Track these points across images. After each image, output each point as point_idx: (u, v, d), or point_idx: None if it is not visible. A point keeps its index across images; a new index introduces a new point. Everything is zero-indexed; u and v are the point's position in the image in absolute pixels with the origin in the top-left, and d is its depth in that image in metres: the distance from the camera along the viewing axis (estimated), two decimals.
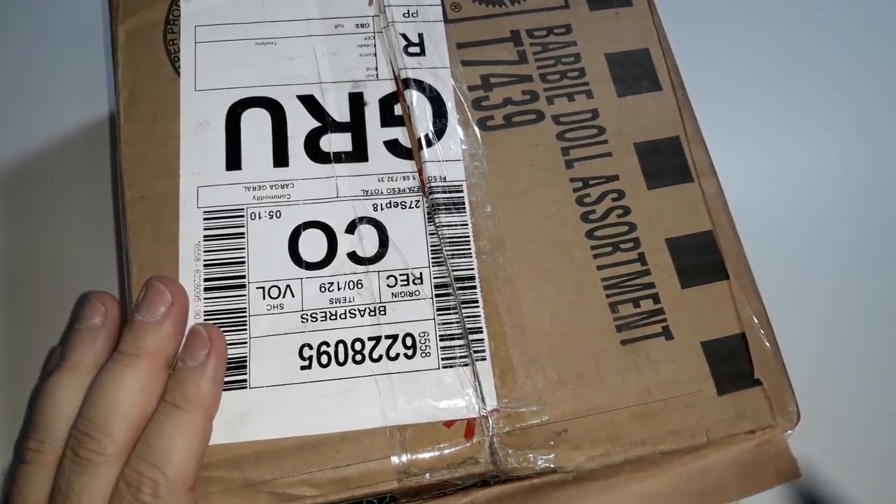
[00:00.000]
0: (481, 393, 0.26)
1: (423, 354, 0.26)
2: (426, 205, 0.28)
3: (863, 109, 0.31)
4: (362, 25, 0.30)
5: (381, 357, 0.26)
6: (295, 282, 0.27)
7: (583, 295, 0.28)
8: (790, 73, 0.37)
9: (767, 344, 0.28)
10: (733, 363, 0.27)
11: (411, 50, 0.30)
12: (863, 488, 0.30)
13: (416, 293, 0.27)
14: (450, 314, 0.27)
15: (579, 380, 0.26)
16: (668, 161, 0.30)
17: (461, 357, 0.26)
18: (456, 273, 0.27)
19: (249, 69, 0.29)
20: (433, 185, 0.28)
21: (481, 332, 0.27)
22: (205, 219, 0.27)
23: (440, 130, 0.29)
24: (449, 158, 0.29)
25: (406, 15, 0.30)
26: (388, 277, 0.27)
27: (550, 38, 0.31)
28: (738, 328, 0.28)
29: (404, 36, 0.30)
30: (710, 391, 0.27)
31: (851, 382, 0.30)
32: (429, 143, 0.29)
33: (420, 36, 0.30)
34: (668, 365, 0.27)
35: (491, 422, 0.26)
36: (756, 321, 0.28)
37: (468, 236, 0.28)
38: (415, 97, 0.29)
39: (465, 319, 0.27)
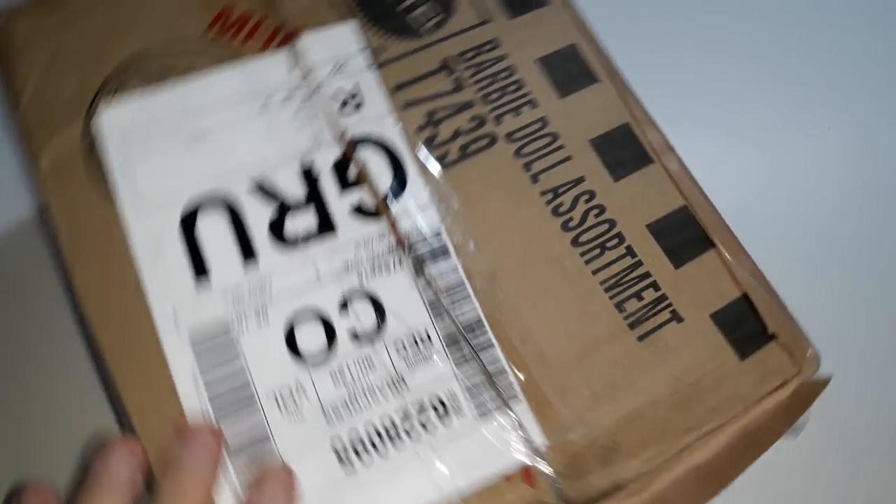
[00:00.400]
0: (527, 434, 0.25)
1: (457, 414, 0.26)
2: (410, 260, 0.27)
3: (863, 109, 0.31)
4: (291, 94, 0.29)
5: (416, 432, 0.25)
6: (305, 380, 0.26)
7: (588, 304, 0.27)
8: (790, 74, 0.37)
9: (770, 298, 0.28)
10: (745, 326, 0.28)
11: (350, 106, 0.29)
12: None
13: (429, 354, 0.26)
14: (469, 364, 0.26)
15: (612, 389, 0.26)
16: (626, 149, 0.30)
17: (495, 404, 0.26)
18: (461, 321, 0.27)
19: (188, 172, 0.27)
20: (411, 238, 0.27)
21: (505, 372, 0.26)
22: (193, 346, 0.25)
23: (401, 181, 0.28)
24: (419, 208, 0.28)
25: (333, 71, 0.29)
26: (395, 346, 0.26)
27: (480, 58, 0.30)
28: (738, 291, 0.28)
29: (339, 93, 0.29)
30: (733, 359, 0.27)
31: (851, 383, 0.31)
32: (394, 197, 0.28)
33: (355, 89, 0.29)
34: (687, 347, 0.27)
35: (546, 460, 0.25)
36: (753, 279, 0.28)
37: (462, 280, 0.27)
38: (366, 155, 0.28)
39: (486, 365, 0.26)
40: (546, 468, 0.25)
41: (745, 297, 0.28)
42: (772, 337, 0.28)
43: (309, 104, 0.29)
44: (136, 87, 0.28)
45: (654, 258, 0.28)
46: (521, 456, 0.25)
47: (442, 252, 0.27)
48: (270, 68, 0.29)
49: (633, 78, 0.31)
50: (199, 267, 0.26)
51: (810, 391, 0.27)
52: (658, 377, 0.27)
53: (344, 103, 0.28)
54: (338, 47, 0.29)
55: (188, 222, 0.27)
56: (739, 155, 0.37)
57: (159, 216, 0.27)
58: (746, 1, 0.39)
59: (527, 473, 0.25)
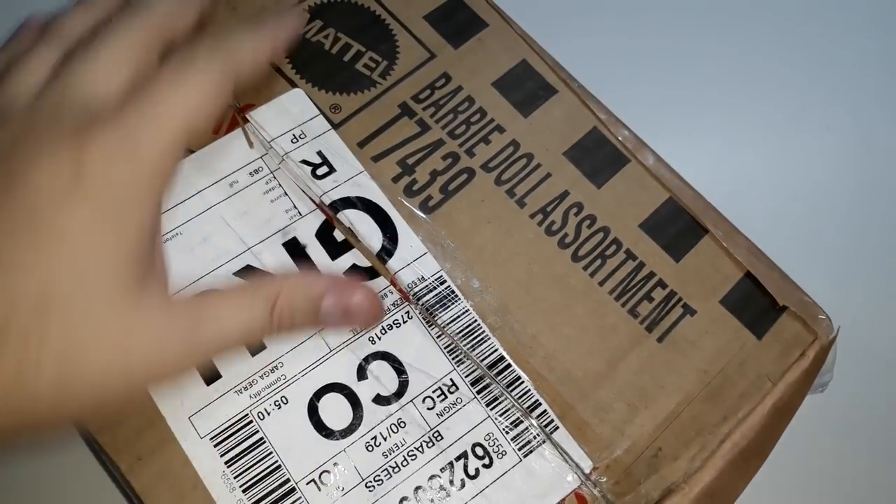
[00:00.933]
0: (573, 460, 0.25)
1: (500, 455, 0.25)
2: (419, 312, 0.27)
3: (863, 109, 0.31)
4: (256, 171, 0.28)
5: (463, 482, 0.25)
6: (340, 456, 0.25)
7: (603, 316, 0.27)
8: (790, 74, 0.37)
9: (772, 271, 0.29)
10: (755, 305, 0.28)
11: (319, 172, 0.28)
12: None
13: (459, 400, 0.26)
14: (501, 403, 0.26)
15: (644, 396, 0.26)
16: (600, 153, 0.30)
17: (535, 437, 0.25)
18: (484, 361, 0.26)
19: (171, 271, 0.26)
20: (415, 289, 0.27)
21: (539, 403, 0.26)
22: (215, 446, 0.25)
23: (391, 234, 0.27)
24: (415, 257, 0.27)
25: (294, 140, 0.28)
26: (423, 401, 0.26)
27: (437, 95, 0.30)
28: (740, 272, 0.29)
29: (305, 162, 0.28)
30: (751, 340, 0.28)
31: (850, 383, 0.31)
32: (389, 253, 0.27)
33: (320, 154, 0.28)
34: (705, 338, 0.27)
35: (596, 482, 0.25)
36: (752, 257, 0.29)
37: (475, 320, 0.27)
38: (350, 216, 0.27)
39: (519, 400, 0.26)
40: (597, 491, 0.25)
41: (749, 276, 0.28)
42: (783, 309, 0.28)
43: (277, 178, 0.28)
44: None
45: (654, 256, 0.28)
46: (571, 483, 0.25)
47: (449, 297, 0.27)
48: (229, 152, 0.28)
49: (631, 84, 0.30)
50: (209, 375, 0.25)
51: (825, 350, 0.28)
52: (685, 374, 0.27)
53: (314, 170, 0.28)
54: (291, 117, 0.28)
55: None
56: (740, 155, 0.37)
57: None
58: (746, 1, 0.39)
59: (580, 498, 0.25)
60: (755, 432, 0.27)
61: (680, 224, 0.29)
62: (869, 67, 0.35)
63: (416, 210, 0.28)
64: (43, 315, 0.20)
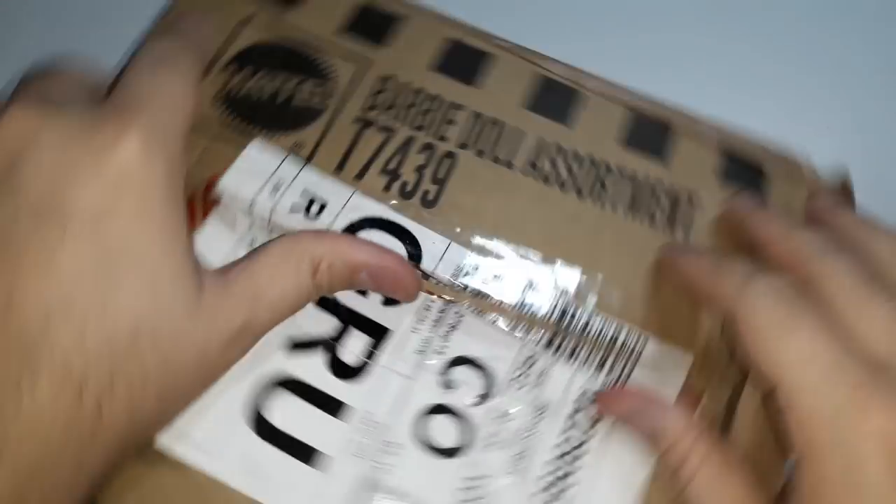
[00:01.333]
0: (669, 364, 0.26)
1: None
2: (467, 305, 0.26)
3: (863, 109, 0.30)
4: (252, 243, 0.26)
5: (588, 433, 0.25)
6: (471, 470, 0.24)
7: (628, 237, 0.28)
8: (790, 73, 0.36)
9: (748, 142, 0.31)
10: (744, 177, 0.30)
11: (313, 210, 0.26)
12: None
13: (544, 368, 0.26)
14: (582, 350, 0.26)
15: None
16: (554, 95, 0.30)
17: (629, 363, 0.26)
18: (550, 321, 0.26)
19: (226, 390, 0.24)
20: (458, 280, 0.26)
21: (616, 335, 0.26)
22: None
23: (411, 239, 0.27)
24: (442, 251, 0.26)
25: (274, 191, 0.27)
26: (513, 384, 0.25)
27: (385, 97, 0.29)
28: (718, 153, 0.30)
29: (294, 208, 0.26)
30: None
31: None
32: (417, 258, 0.26)
33: (305, 193, 0.27)
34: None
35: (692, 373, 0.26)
36: (722, 136, 0.30)
37: (522, 285, 0.26)
38: (372, 237, 0.26)
39: (597, 341, 0.26)
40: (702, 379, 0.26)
41: (727, 154, 0.30)
42: (766, 171, 0.30)
43: (276, 234, 0.26)
44: None
45: (642, 166, 0.29)
46: (676, 384, 0.26)
47: (485, 276, 0.26)
48: (215, 232, 0.26)
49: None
50: (305, 454, 0.24)
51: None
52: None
53: (307, 212, 0.26)
54: (260, 171, 0.27)
55: (263, 428, 0.24)
56: None
57: (231, 449, 0.24)
58: (746, 1, 0.39)
59: (691, 394, 0.26)
60: None
61: (651, 129, 0.30)
62: (869, 67, 0.36)
63: (420, 208, 0.27)
64: (138, 357, 0.20)
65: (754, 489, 0.22)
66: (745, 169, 0.30)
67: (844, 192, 0.29)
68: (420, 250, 0.26)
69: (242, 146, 0.27)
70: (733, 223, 0.28)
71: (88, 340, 0.19)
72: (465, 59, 0.31)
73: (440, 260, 0.26)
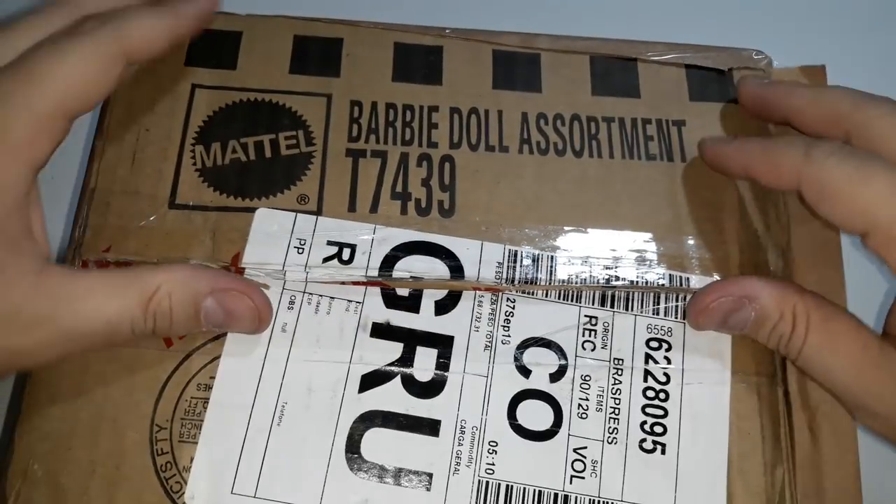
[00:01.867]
0: None
1: (669, 333, 0.27)
2: (515, 291, 0.27)
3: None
4: (291, 304, 0.26)
5: (666, 375, 0.26)
6: (573, 441, 0.25)
7: (635, 179, 0.29)
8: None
9: (702, 51, 0.32)
10: (713, 83, 0.31)
11: (345, 256, 0.27)
12: None
13: (606, 326, 0.27)
14: (636, 299, 0.27)
15: (713, 206, 0.29)
16: (516, 68, 0.31)
17: (684, 300, 0.27)
18: (599, 283, 0.27)
19: (311, 455, 0.25)
20: (503, 277, 0.27)
21: (662, 276, 0.27)
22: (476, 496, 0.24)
23: (445, 252, 0.27)
24: (479, 254, 0.27)
25: (300, 250, 0.27)
26: (584, 349, 0.27)
27: (363, 123, 0.29)
28: (682, 69, 0.31)
29: (326, 260, 0.27)
30: (733, 106, 0.31)
31: None
32: (458, 269, 0.27)
33: (331, 243, 0.27)
34: (708, 133, 0.30)
35: None
36: (679, 52, 0.32)
37: (562, 257, 0.27)
38: (402, 268, 0.27)
39: (647, 287, 0.27)
40: None
41: (691, 69, 0.31)
42: (729, 71, 0.31)
43: (314, 293, 0.26)
44: None
45: (622, 106, 0.31)
46: None
47: (524, 262, 0.27)
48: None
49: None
50: (418, 481, 0.25)
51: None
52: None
53: (339, 259, 0.27)
54: (277, 234, 0.27)
55: (368, 470, 0.25)
56: None
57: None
58: (747, 1, 0.39)
59: None
60: None
61: (616, 69, 0.31)
62: (869, 67, 0.35)
63: (441, 220, 0.28)
64: None
65: (860, 330, 0.24)
66: (711, 76, 0.31)
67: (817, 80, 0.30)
68: (458, 261, 0.27)
69: (249, 219, 0.27)
70: (754, 105, 0.29)
71: None
72: (420, 61, 0.31)
73: (480, 263, 0.27)
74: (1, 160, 0.21)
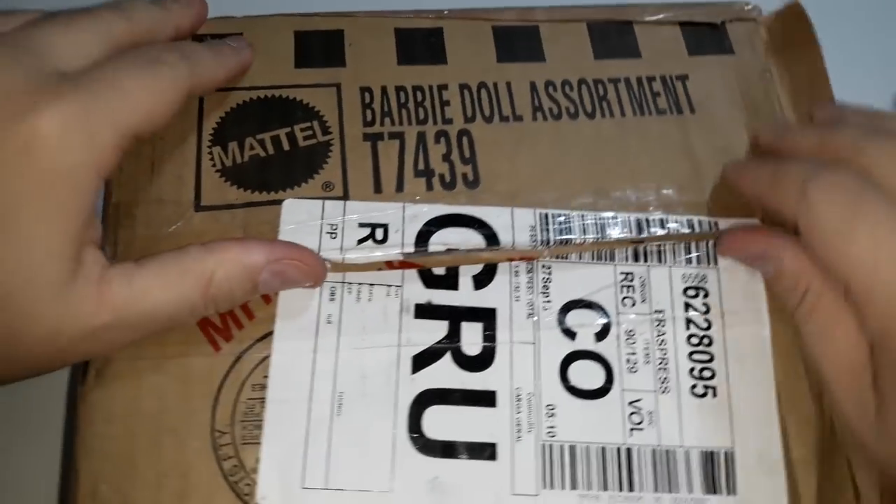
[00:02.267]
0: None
1: (705, 280, 0.27)
2: (549, 256, 0.27)
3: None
4: (332, 294, 0.26)
5: (707, 321, 0.27)
6: (627, 394, 0.26)
7: (648, 135, 0.30)
8: None
9: (694, 8, 0.32)
10: (710, 37, 0.32)
11: (378, 237, 0.27)
12: None
13: (642, 279, 0.27)
14: (667, 250, 0.28)
15: (726, 150, 0.29)
16: (516, 40, 0.31)
17: (712, 243, 0.28)
18: (629, 237, 0.28)
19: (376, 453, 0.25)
20: (538, 241, 0.27)
21: (689, 223, 0.28)
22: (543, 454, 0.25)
23: (478, 222, 0.27)
24: (511, 220, 0.27)
25: (332, 235, 0.27)
26: (624, 305, 0.27)
27: (376, 108, 0.29)
28: (677, 25, 0.32)
29: (359, 242, 0.27)
30: (731, 58, 0.32)
31: None
32: (493, 238, 0.27)
33: (363, 225, 0.27)
34: (711, 85, 0.31)
35: None
36: (672, 10, 0.32)
37: (593, 217, 0.28)
38: (437, 241, 0.27)
39: (677, 236, 0.28)
40: None
41: (685, 25, 0.32)
42: (722, 24, 0.32)
43: (353, 281, 0.27)
44: None
45: (623, 68, 0.31)
46: None
47: (561, 223, 0.28)
48: (299, 304, 0.26)
49: None
50: (482, 452, 0.25)
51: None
52: (731, 115, 0.30)
53: (372, 240, 0.27)
54: (307, 223, 0.27)
55: (432, 448, 0.25)
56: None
57: (413, 481, 0.24)
58: None
59: None
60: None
61: (613, 32, 0.32)
62: (869, 67, 0.36)
63: (468, 192, 0.28)
64: None
65: (859, 333, 0.24)
66: (706, 31, 0.32)
67: (800, 20, 0.31)
68: (491, 229, 0.27)
69: (277, 212, 0.27)
70: (768, 150, 0.28)
71: None
72: (422, 44, 0.31)
73: (513, 229, 0.27)
74: (84, 168, 0.21)
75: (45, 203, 0.21)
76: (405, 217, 0.27)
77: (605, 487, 0.25)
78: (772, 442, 0.25)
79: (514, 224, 0.27)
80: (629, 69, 0.31)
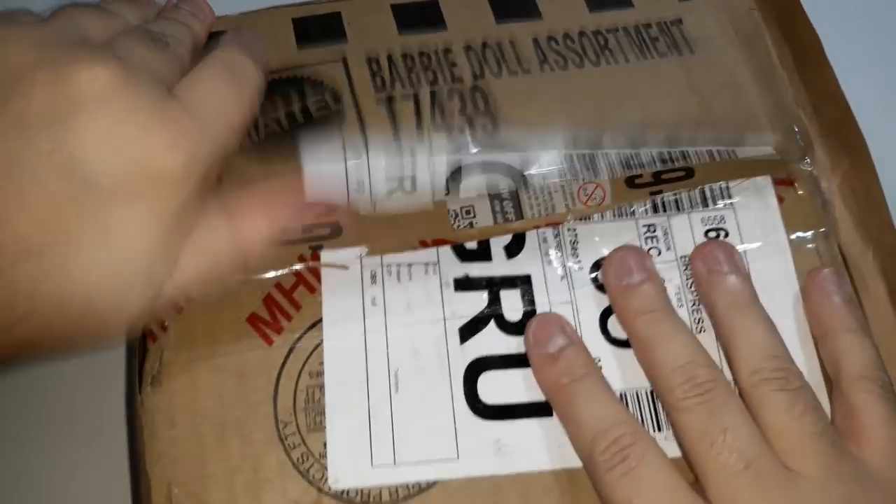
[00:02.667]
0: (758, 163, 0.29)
1: (721, 221, 0.28)
2: (572, 216, 0.28)
3: (863, 109, 0.28)
4: (373, 277, 0.27)
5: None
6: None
7: (657, 77, 0.31)
8: None
9: None
10: None
11: (408, 188, 0.28)
12: None
13: (664, 230, 0.28)
14: (685, 199, 0.29)
15: (734, 86, 0.30)
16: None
17: (726, 188, 0.29)
18: (649, 189, 0.28)
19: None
20: (564, 191, 0.28)
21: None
22: None
23: (509, 170, 0.28)
24: (546, 165, 0.28)
25: (362, 190, 0.28)
26: (650, 254, 0.28)
27: (385, 75, 0.29)
28: None
29: (389, 191, 0.27)
30: None
31: None
32: (522, 190, 0.28)
33: (393, 180, 0.28)
34: (705, 24, 0.32)
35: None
36: None
37: (619, 157, 0.29)
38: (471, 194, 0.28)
39: (691, 184, 0.29)
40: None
41: None
42: None
43: (392, 262, 0.27)
44: None
45: (618, 18, 0.32)
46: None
47: (588, 164, 0.29)
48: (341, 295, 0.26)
49: None
50: (538, 410, 0.26)
51: None
52: (734, 54, 0.31)
53: (404, 191, 0.28)
54: (335, 178, 0.28)
55: (492, 412, 0.26)
56: None
57: (477, 446, 0.25)
58: None
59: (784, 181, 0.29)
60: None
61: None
62: (869, 67, 0.36)
63: (491, 139, 0.29)
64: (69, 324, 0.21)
65: None
66: None
67: None
68: (519, 171, 0.28)
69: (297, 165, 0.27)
70: None
71: (37, 295, 0.20)
72: (418, 13, 0.31)
73: (539, 168, 0.28)
74: (196, 194, 0.22)
75: (152, 227, 0.21)
76: (431, 167, 0.28)
77: (659, 429, 0.26)
78: (807, 367, 0.27)
79: (541, 164, 0.28)
80: (624, 18, 0.31)
